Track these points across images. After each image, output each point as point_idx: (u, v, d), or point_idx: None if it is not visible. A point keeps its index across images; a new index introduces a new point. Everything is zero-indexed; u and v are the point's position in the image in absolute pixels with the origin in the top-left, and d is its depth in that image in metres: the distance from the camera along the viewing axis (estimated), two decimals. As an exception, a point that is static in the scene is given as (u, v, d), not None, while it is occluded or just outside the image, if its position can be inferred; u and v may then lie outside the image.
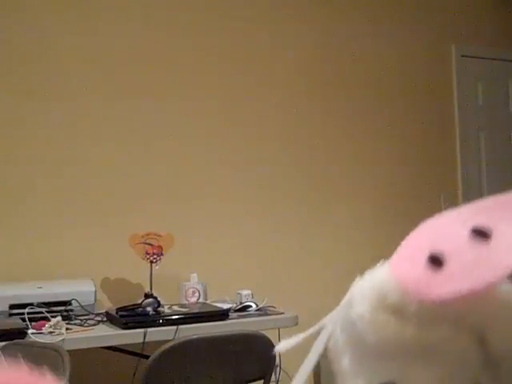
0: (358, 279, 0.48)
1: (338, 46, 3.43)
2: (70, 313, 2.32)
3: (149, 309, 2.25)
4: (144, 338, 2.13)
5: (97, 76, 2.85)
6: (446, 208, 0.47)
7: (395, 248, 0.45)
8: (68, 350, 1.74)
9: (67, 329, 2.12)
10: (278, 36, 3.27)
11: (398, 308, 0.43)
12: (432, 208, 3.62)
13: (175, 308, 2.40)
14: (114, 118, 2.87)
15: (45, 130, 2.74)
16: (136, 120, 2.92)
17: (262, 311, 2.49)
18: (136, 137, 2.91)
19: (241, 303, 2.52)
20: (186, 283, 2.65)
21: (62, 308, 2.32)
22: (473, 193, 3.73)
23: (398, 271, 0.44)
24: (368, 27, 3.52)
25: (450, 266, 0.41)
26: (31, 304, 2.25)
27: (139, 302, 2.29)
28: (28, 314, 2.18)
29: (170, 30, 3.02)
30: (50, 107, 2.76)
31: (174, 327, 2.17)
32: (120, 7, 2.92)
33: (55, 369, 1.67)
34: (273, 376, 2.12)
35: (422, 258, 0.43)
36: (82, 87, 2.82)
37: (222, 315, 2.35)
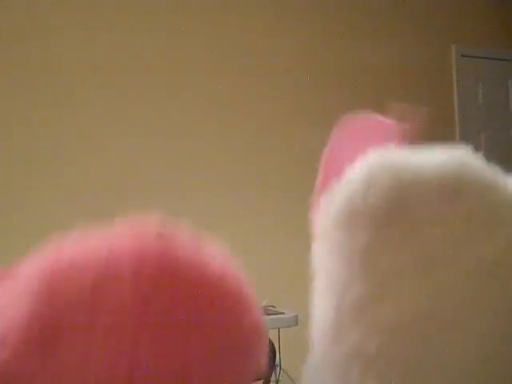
0: None
1: (338, 47, 3.43)
2: (70, 312, 2.32)
3: (149, 308, 2.24)
4: (144, 337, 2.13)
5: (99, 75, 2.85)
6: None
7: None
8: (68, 350, 1.73)
9: (67, 328, 2.12)
10: (278, 36, 3.27)
11: None
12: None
13: (175, 308, 2.40)
14: (115, 118, 2.87)
15: (45, 129, 2.74)
16: (137, 120, 2.92)
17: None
18: (137, 136, 2.92)
19: (241, 303, 2.52)
20: (185, 283, 2.64)
21: (62, 308, 2.32)
22: (473, 193, 3.73)
23: None
24: (368, 27, 3.52)
25: None
26: (31, 304, 2.25)
27: (139, 301, 2.28)
28: (28, 313, 2.18)
29: (171, 30, 3.02)
30: (48, 107, 2.76)
31: (174, 327, 2.16)
32: (123, 9, 2.92)
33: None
34: (273, 376, 2.12)
35: None
36: (82, 87, 2.82)
37: (222, 315, 2.34)
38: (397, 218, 0.45)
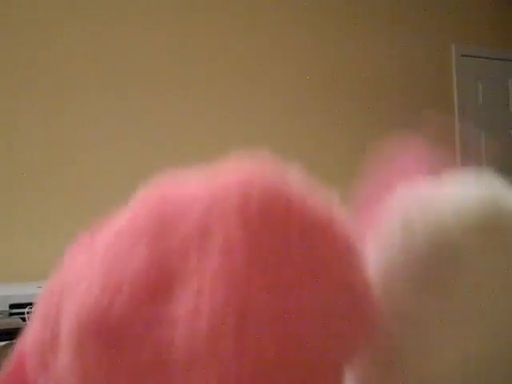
0: None
1: (338, 46, 3.43)
2: (70, 312, 2.31)
3: (149, 308, 2.24)
4: (144, 337, 2.13)
5: (97, 76, 2.85)
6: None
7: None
8: (68, 350, 1.73)
9: (67, 328, 2.11)
10: (278, 37, 3.27)
11: None
12: (432, 208, 3.62)
13: (175, 308, 2.39)
14: (113, 117, 2.87)
15: (45, 129, 2.74)
16: (135, 119, 2.92)
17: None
18: (135, 136, 2.91)
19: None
20: (185, 283, 2.64)
21: (62, 308, 2.32)
22: (473, 193, 3.73)
23: None
24: (368, 27, 3.51)
25: None
26: (31, 304, 2.24)
27: (139, 301, 2.28)
28: (28, 313, 2.18)
29: (172, 29, 3.02)
30: (48, 106, 2.76)
31: (174, 327, 2.16)
32: (123, 4, 2.92)
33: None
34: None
35: None
36: (80, 87, 2.82)
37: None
38: (441, 260, 0.43)
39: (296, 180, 0.43)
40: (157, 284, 0.39)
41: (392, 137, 0.50)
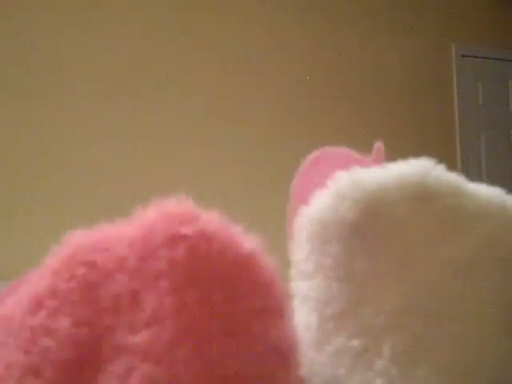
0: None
1: (338, 46, 3.43)
2: (70, 312, 2.32)
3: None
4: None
5: (97, 76, 2.85)
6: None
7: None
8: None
9: (67, 328, 2.11)
10: (277, 35, 3.27)
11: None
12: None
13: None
14: (114, 118, 2.87)
15: (45, 126, 2.74)
16: (136, 120, 2.92)
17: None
18: (136, 137, 2.92)
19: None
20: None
21: (62, 307, 2.32)
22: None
23: None
24: (368, 26, 3.52)
25: None
26: (31, 303, 2.25)
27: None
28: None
29: (170, 30, 3.02)
30: (48, 107, 2.76)
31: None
32: (121, 8, 2.92)
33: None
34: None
35: None
36: (79, 86, 2.82)
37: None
38: (368, 227, 0.47)
39: (216, 222, 0.42)
40: (80, 363, 0.35)
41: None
